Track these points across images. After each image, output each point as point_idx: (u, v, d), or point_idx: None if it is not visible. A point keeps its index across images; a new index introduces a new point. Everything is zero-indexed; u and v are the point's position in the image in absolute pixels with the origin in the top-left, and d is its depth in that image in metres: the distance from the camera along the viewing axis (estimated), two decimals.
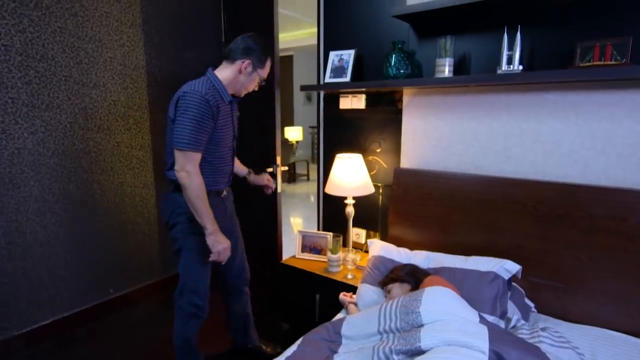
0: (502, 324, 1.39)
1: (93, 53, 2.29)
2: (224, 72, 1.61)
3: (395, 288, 1.52)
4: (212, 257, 1.59)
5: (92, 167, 2.37)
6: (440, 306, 1.20)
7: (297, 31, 7.18)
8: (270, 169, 2.45)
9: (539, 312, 1.62)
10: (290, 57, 8.36)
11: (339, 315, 1.65)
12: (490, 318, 1.37)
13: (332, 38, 2.32)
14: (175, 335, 1.77)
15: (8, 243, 2.05)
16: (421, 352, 1.07)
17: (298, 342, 1.39)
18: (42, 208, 2.17)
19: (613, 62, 1.43)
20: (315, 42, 2.42)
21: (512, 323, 1.38)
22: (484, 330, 1.09)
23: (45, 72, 2.11)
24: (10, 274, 2.08)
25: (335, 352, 1.31)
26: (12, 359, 2.06)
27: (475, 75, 1.78)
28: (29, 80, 2.05)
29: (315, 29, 2.40)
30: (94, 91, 2.32)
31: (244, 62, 1.59)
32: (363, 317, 1.38)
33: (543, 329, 1.29)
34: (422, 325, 1.17)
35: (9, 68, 1.98)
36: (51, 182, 2.19)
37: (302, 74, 8.21)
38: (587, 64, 1.48)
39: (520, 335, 1.26)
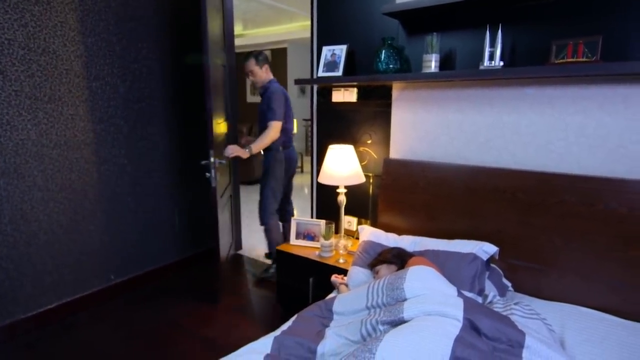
0: (479, 300, 1.52)
1: (93, 47, 2.36)
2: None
3: (383, 269, 1.64)
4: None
5: (93, 158, 2.45)
6: (422, 282, 1.32)
7: (290, 24, 7.22)
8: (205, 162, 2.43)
9: (515, 290, 1.75)
10: (284, 50, 8.40)
11: (331, 295, 1.77)
12: (468, 294, 1.49)
13: (325, 33, 2.41)
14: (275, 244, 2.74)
15: (14, 230, 2.14)
16: (404, 321, 1.19)
17: (293, 318, 1.50)
18: (45, 197, 2.25)
19: (585, 59, 1.55)
20: (309, 34, 2.51)
21: (489, 299, 1.51)
22: (459, 302, 1.21)
23: (47, 66, 2.18)
24: (16, 260, 2.17)
25: (327, 326, 1.43)
26: (19, 342, 2.15)
27: (459, 71, 1.89)
28: (32, 74, 2.12)
29: (309, 22, 2.49)
30: (94, 84, 2.39)
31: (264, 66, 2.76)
32: (353, 294, 1.49)
33: (516, 303, 1.42)
34: (405, 300, 1.29)
35: (12, 61, 2.04)
36: (54, 172, 2.27)
37: (296, 67, 8.25)
38: (561, 60, 1.59)
39: (495, 309, 1.38)
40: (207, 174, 2.41)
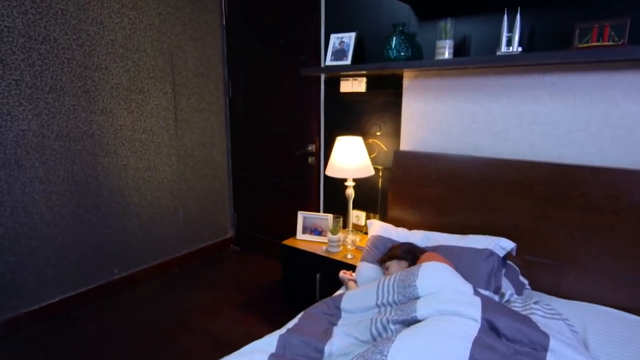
0: (496, 298, 1.44)
1: (95, 35, 2.30)
2: None
3: (393, 265, 1.57)
4: None
5: (95, 150, 2.40)
6: (435, 279, 1.25)
7: None
8: (310, 148, 2.66)
9: (532, 289, 1.67)
10: None
11: (339, 292, 1.70)
12: (485, 292, 1.41)
13: (333, 21, 2.33)
14: None
15: (15, 223, 2.10)
16: (417, 321, 1.11)
17: (299, 315, 1.44)
18: (47, 189, 2.21)
19: (611, 43, 1.45)
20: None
21: (506, 297, 1.43)
22: (477, 301, 1.13)
23: (47, 55, 2.12)
24: (17, 253, 2.13)
25: (335, 324, 1.36)
26: (21, 336, 2.12)
27: (475, 57, 1.79)
28: (32, 62, 2.07)
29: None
30: (96, 74, 2.34)
31: None
32: (362, 291, 1.42)
33: (535, 302, 1.34)
34: (418, 298, 1.21)
35: (12, 50, 1.99)
36: (56, 164, 2.23)
37: None
38: (585, 44, 1.49)
39: (514, 308, 1.30)
40: (310, 158, 2.66)
